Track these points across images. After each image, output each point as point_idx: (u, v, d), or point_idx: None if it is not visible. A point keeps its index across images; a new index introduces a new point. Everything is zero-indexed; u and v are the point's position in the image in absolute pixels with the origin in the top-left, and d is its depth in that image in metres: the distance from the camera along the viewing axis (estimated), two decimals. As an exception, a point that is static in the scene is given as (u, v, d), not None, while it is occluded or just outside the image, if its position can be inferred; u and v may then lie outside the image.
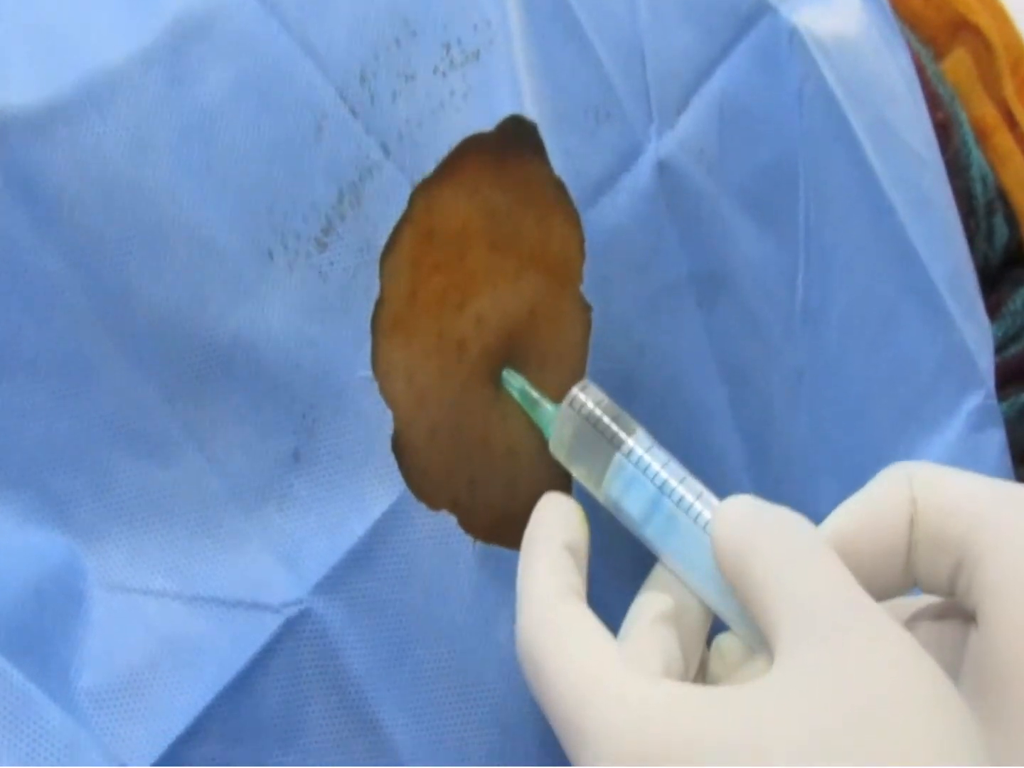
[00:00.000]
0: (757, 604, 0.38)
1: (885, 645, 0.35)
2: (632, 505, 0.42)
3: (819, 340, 0.53)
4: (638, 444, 0.42)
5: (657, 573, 0.42)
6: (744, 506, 0.40)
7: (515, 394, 0.45)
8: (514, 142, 0.45)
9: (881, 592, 0.39)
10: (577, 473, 0.44)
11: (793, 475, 0.53)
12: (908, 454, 0.55)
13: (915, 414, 0.56)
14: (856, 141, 0.54)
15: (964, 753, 0.34)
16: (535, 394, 0.45)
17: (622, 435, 0.43)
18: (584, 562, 0.42)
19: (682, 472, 0.42)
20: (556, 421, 0.43)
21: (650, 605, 0.41)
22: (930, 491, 0.40)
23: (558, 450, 0.44)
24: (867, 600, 0.37)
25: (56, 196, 0.42)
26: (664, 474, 0.42)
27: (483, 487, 0.45)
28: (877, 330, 0.55)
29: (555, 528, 0.42)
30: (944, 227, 0.58)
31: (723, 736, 0.34)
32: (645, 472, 0.42)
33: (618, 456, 0.42)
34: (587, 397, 0.43)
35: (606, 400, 0.43)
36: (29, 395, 0.43)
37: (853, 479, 0.52)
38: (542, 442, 0.45)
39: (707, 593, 0.41)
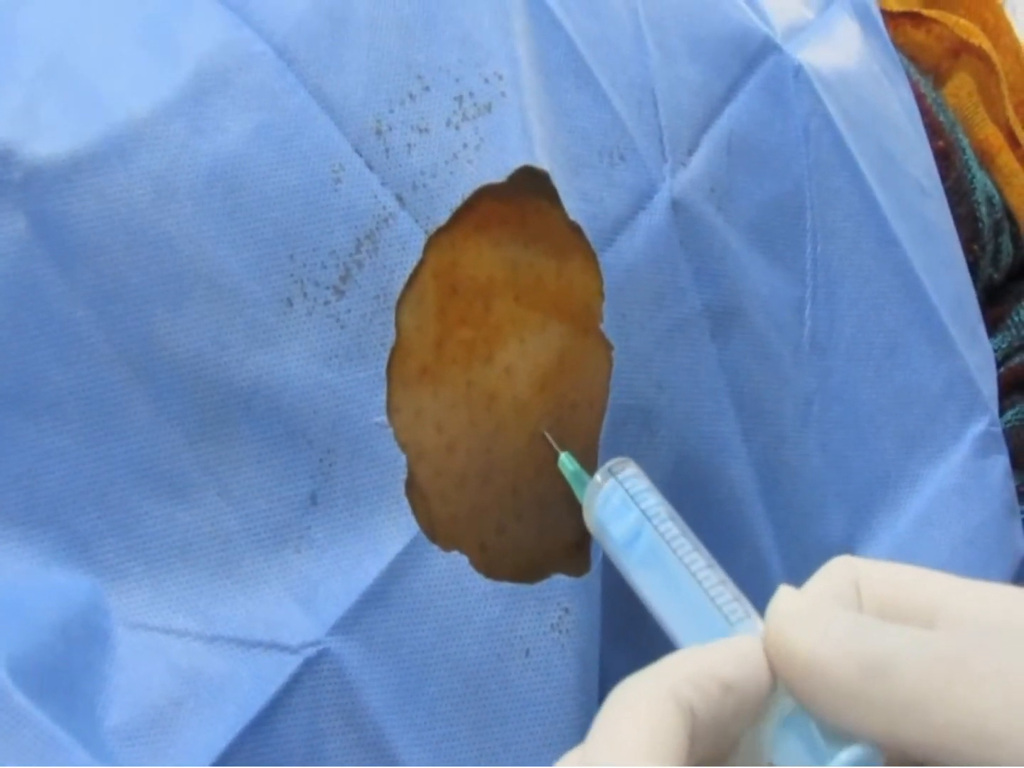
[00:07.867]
0: None
1: None
2: (616, 528, 0.42)
3: (827, 368, 0.54)
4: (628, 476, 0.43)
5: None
6: None
7: (568, 476, 0.45)
8: (528, 191, 0.45)
9: None
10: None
11: (803, 502, 0.53)
12: (915, 479, 0.55)
13: (921, 440, 0.56)
14: (860, 174, 0.55)
15: None
16: (587, 478, 0.44)
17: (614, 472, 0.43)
18: None
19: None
20: (584, 501, 0.44)
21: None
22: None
23: (592, 527, 0.44)
24: None
25: (82, 244, 0.43)
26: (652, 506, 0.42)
27: (512, 533, 0.46)
28: (882, 358, 0.55)
29: None
30: (947, 255, 0.58)
31: None
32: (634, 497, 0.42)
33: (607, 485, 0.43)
34: (610, 478, 0.43)
35: (633, 480, 0.43)
36: (54, 437, 0.44)
37: (861, 503, 0.54)
38: (573, 495, 0.45)
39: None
